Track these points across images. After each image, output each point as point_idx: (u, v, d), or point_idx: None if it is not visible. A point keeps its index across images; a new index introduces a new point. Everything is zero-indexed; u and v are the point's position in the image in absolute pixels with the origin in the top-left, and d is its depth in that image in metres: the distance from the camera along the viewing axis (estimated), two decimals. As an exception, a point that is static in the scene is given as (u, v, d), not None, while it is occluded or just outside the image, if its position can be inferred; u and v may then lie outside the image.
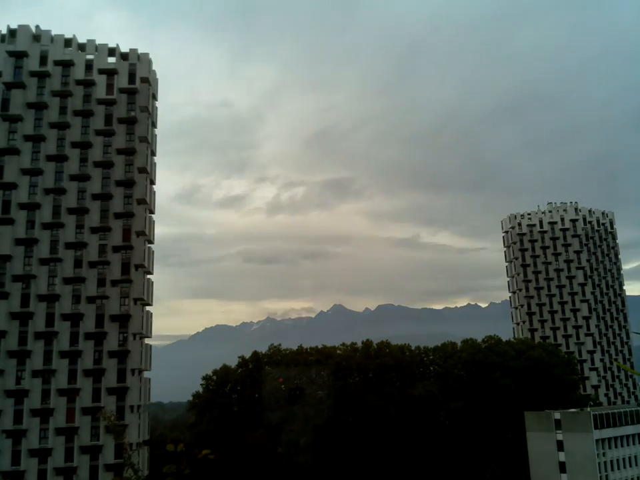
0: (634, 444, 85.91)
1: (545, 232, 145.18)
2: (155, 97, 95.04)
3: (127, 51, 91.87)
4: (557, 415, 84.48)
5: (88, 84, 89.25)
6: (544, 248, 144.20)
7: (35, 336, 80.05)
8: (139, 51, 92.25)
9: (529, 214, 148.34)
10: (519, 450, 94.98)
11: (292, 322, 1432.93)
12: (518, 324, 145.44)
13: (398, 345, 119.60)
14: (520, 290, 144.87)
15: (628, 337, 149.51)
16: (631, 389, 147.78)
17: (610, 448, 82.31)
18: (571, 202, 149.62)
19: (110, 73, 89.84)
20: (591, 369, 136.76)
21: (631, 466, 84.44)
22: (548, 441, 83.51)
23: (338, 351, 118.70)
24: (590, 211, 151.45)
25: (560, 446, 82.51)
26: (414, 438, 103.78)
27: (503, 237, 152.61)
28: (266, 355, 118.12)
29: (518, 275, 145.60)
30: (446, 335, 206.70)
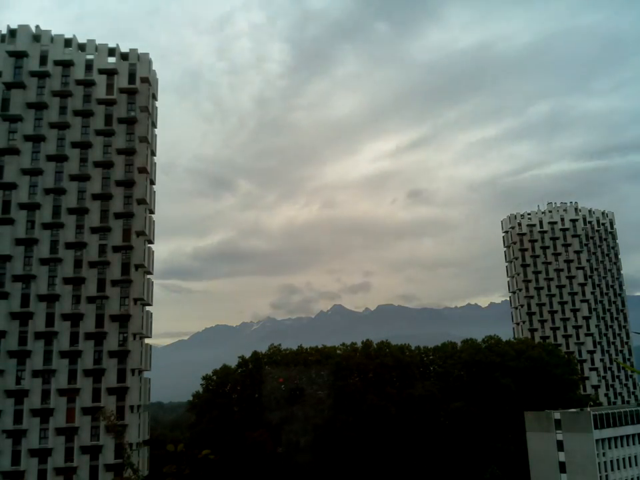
0: (634, 444, 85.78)
1: (545, 232, 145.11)
2: (154, 97, 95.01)
3: (127, 50, 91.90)
4: (557, 415, 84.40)
5: (88, 84, 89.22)
6: (544, 248, 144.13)
7: (35, 336, 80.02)
8: (140, 51, 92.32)
9: (529, 214, 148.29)
10: (519, 450, 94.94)
11: (292, 322, 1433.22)
12: (518, 324, 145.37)
13: (398, 345, 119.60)
14: (520, 290, 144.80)
15: (628, 337, 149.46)
16: (631, 389, 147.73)
17: (610, 448, 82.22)
18: (571, 202, 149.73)
19: (110, 73, 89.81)
20: (591, 369, 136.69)
21: (630, 466, 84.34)
22: (548, 441, 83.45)
23: (338, 351, 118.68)
24: (590, 210, 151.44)
25: (560, 446, 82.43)
26: (414, 438, 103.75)
27: (503, 236, 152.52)
28: (266, 355, 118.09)
29: (518, 274, 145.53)
30: (446, 335, 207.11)
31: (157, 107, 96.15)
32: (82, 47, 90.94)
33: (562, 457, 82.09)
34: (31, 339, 79.60)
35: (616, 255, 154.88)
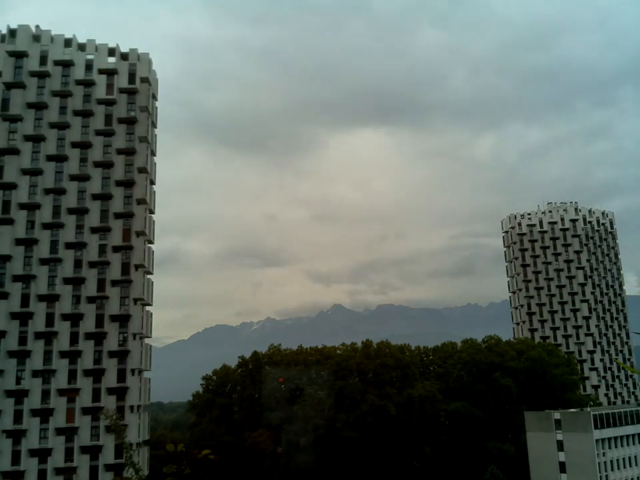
0: (634, 444, 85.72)
1: (545, 232, 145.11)
2: (155, 97, 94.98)
3: (127, 50, 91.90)
4: (557, 415, 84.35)
5: (88, 84, 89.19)
6: (544, 248, 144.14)
7: (35, 336, 79.97)
8: (139, 51, 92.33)
9: (528, 214, 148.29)
10: (519, 450, 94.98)
11: (292, 322, 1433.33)
12: (518, 324, 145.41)
13: (398, 345, 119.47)
14: (520, 290, 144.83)
15: (628, 337, 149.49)
16: (631, 389, 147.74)
17: (610, 448, 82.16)
18: (571, 202, 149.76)
19: (110, 73, 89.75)
20: (591, 369, 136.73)
21: (630, 466, 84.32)
22: (548, 441, 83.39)
23: (338, 351, 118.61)
24: (590, 210, 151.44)
25: (560, 446, 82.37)
26: (414, 438, 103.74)
27: (503, 237, 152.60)
28: (266, 354, 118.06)
29: (518, 275, 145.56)
30: (446, 335, 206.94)
31: (156, 107, 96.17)
32: (82, 47, 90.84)
33: (562, 457, 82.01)
34: (31, 339, 79.55)
35: (616, 254, 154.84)
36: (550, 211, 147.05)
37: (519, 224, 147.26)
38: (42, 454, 77.18)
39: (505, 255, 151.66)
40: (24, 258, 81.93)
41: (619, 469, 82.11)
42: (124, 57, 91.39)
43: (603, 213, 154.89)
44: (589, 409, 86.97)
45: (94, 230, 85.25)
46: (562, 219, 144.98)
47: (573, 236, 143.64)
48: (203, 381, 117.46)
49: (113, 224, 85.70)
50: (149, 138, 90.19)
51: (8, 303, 79.83)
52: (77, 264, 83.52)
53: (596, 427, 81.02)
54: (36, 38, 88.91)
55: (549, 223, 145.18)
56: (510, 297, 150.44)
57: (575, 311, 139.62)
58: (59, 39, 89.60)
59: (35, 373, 79.31)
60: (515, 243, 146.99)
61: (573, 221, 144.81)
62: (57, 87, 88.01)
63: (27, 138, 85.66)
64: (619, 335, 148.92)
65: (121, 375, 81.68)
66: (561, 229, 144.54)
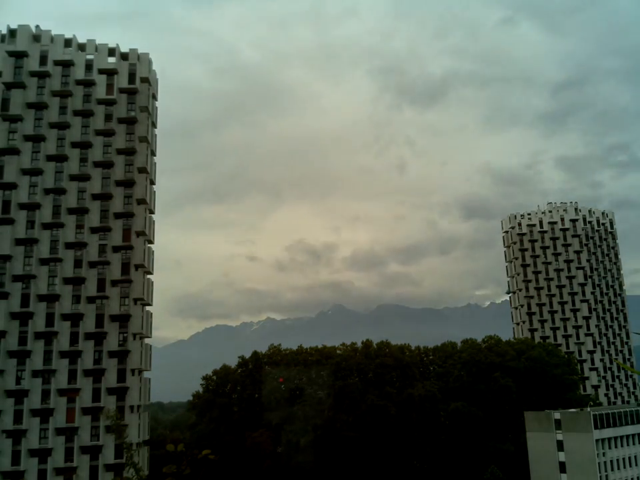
0: (634, 444, 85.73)
1: (545, 232, 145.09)
2: (155, 97, 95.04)
3: (127, 50, 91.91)
4: (557, 415, 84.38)
5: (88, 84, 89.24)
6: (544, 248, 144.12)
7: (35, 336, 80.00)
8: (140, 51, 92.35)
9: (528, 214, 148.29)
10: (519, 450, 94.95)
11: (292, 322, 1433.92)
12: (518, 324, 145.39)
13: (398, 345, 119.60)
14: (520, 290, 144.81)
15: (628, 337, 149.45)
16: (631, 389, 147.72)
17: (610, 448, 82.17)
18: (571, 202, 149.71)
19: (110, 73, 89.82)
20: (591, 369, 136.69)
21: (630, 466, 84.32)
22: (548, 441, 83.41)
23: (338, 351, 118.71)
24: (590, 210, 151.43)
25: (560, 446, 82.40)
26: (414, 438, 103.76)
27: (503, 237, 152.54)
28: (266, 355, 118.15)
29: (518, 274, 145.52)
30: (446, 335, 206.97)
31: (156, 107, 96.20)
32: (82, 47, 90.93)
33: (562, 457, 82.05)
34: (31, 339, 79.56)
35: (616, 254, 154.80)
36: (550, 211, 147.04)
37: (519, 224, 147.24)
38: (42, 454, 77.18)
39: (505, 255, 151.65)
40: (24, 258, 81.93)
41: (618, 469, 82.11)
42: (124, 56, 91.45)
43: (603, 213, 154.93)
44: (589, 409, 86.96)
45: (94, 230, 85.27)
46: (562, 219, 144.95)
47: (573, 236, 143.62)
48: (203, 381, 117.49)
49: (112, 224, 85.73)
50: (148, 138, 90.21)
51: (8, 303, 79.82)
52: (77, 264, 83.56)
53: (596, 427, 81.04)
54: (36, 38, 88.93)
55: (549, 222, 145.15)
56: (510, 297, 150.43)
57: (575, 310, 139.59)
58: (58, 38, 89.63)
59: (35, 373, 79.32)
60: (515, 243, 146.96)
61: (573, 221, 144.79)
62: (57, 87, 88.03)
63: (27, 138, 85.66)
64: (619, 335, 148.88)
65: (121, 375, 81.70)
66: (561, 229, 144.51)
